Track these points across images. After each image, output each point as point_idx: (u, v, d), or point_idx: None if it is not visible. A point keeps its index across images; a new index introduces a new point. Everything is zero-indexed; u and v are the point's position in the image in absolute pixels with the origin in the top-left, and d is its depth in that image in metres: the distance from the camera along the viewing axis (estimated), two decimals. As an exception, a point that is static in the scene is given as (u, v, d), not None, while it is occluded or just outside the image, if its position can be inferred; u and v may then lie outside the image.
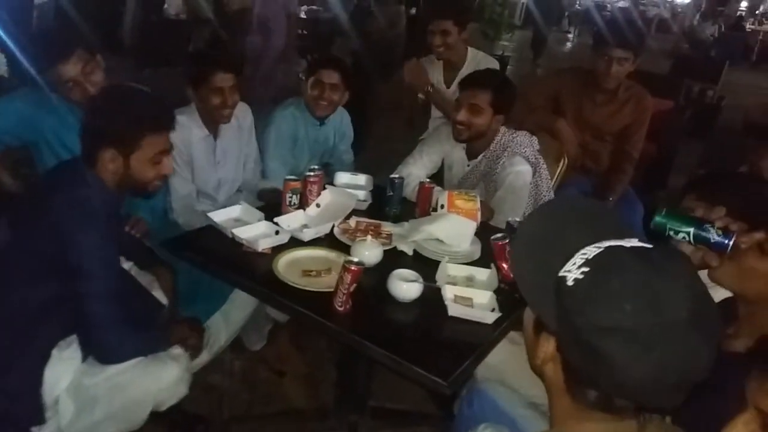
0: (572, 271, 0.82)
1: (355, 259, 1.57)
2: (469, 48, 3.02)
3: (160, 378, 1.57)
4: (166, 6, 6.06)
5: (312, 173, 2.07)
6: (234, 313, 2.08)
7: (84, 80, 1.91)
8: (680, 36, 13.76)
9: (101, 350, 1.53)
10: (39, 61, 1.93)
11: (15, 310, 1.49)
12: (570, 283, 0.81)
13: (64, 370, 1.51)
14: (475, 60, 2.98)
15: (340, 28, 7.45)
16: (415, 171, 2.43)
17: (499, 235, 1.84)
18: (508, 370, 1.64)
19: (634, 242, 0.84)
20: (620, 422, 0.85)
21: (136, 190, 1.65)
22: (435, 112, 3.21)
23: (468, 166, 2.43)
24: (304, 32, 7.87)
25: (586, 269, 0.81)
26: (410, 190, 2.30)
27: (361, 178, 2.38)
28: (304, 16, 7.77)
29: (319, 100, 2.55)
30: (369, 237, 1.84)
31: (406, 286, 1.66)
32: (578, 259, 0.83)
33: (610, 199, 2.73)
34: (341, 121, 2.80)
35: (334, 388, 2.37)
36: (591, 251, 0.82)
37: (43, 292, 1.47)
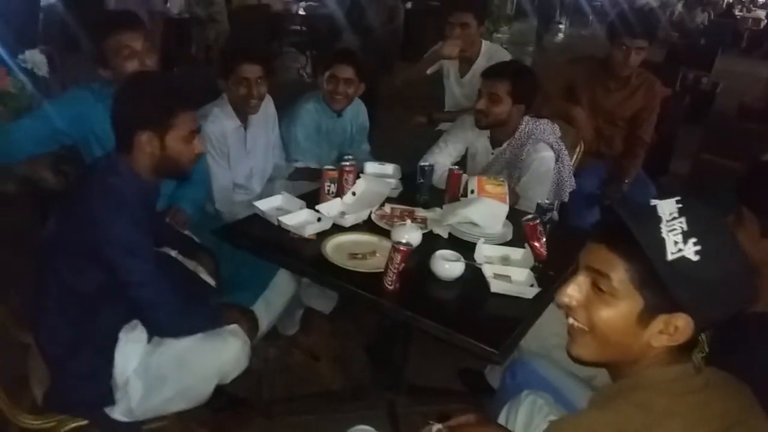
0: (684, 249, 0.88)
1: (404, 240, 1.67)
2: (483, 41, 3.12)
3: (222, 352, 1.66)
4: (168, 5, 6.10)
5: (347, 163, 2.17)
6: (275, 299, 2.17)
7: (142, 54, 1.98)
8: (670, 24, 13.90)
9: (156, 328, 1.61)
10: (101, 28, 1.99)
11: (68, 298, 1.54)
12: (695, 258, 0.88)
13: (131, 351, 1.59)
14: (489, 52, 3.08)
15: (339, 23, 7.53)
16: (440, 159, 2.53)
17: (530, 216, 1.95)
18: (551, 333, 1.74)
19: (674, 202, 0.93)
20: (685, 364, 0.96)
21: (174, 171, 1.68)
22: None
23: (492, 154, 2.54)
24: (303, 28, 7.95)
25: (694, 239, 0.87)
26: (437, 178, 2.40)
27: (389, 168, 2.48)
28: (303, 12, 7.84)
29: (334, 94, 2.69)
30: (408, 221, 1.94)
31: (448, 265, 1.76)
32: (673, 237, 0.88)
33: (626, 181, 2.85)
34: (358, 112, 2.92)
35: (367, 370, 2.48)
36: (676, 224, 0.88)
37: (90, 281, 1.52)
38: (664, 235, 0.89)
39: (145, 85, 1.61)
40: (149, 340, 1.62)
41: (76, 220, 1.50)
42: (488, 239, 1.97)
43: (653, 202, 0.94)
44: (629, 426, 0.90)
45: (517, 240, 2.01)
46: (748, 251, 1.35)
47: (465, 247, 1.90)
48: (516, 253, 1.93)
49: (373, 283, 1.69)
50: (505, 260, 1.92)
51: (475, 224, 2.05)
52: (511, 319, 1.63)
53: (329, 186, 2.12)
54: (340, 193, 2.14)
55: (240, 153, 2.52)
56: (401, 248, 1.63)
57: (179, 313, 1.60)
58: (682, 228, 0.89)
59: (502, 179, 2.20)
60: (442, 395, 2.41)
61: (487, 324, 1.63)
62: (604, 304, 0.96)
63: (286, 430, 2.18)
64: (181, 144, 1.61)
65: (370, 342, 2.62)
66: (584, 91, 2.89)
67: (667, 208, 0.91)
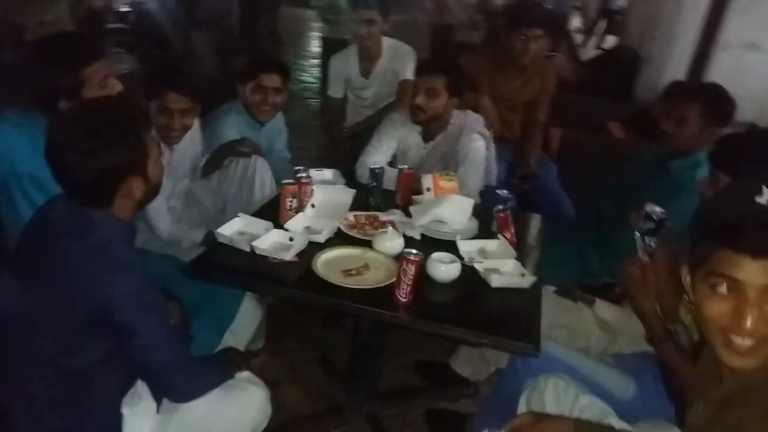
0: None
1: (414, 251, 1.62)
2: (383, 38, 3.12)
3: (249, 404, 1.50)
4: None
5: (303, 175, 2.05)
6: (243, 330, 2.01)
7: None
8: (473, 6, 14.91)
9: (175, 393, 1.40)
10: (83, 55, 1.72)
11: (58, 380, 1.28)
12: None
13: (141, 426, 1.37)
14: (391, 49, 3.09)
15: (169, 19, 7.01)
16: (377, 159, 2.50)
17: (499, 207, 2.02)
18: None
19: None
20: None
21: (153, 198, 1.47)
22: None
23: (425, 148, 2.56)
24: (128, 26, 7.27)
25: None
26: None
27: (328, 173, 2.39)
28: (128, 9, 7.16)
29: (262, 105, 2.53)
30: (390, 228, 1.90)
31: (444, 267, 1.75)
32: None
33: (531, 162, 3.05)
34: (277, 119, 2.76)
35: (329, 384, 2.39)
36: None
37: (88, 356, 1.27)
38: None
39: (113, 125, 1.29)
40: (158, 409, 1.41)
41: (62, 294, 1.23)
42: (463, 235, 2.00)
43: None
44: None
45: (484, 232, 2.07)
46: None
47: (438, 246, 1.91)
48: (490, 244, 1.98)
49: (380, 297, 1.64)
50: (483, 253, 1.96)
51: (441, 221, 2.07)
52: (522, 310, 1.68)
53: (290, 201, 1.99)
54: (300, 208, 2.02)
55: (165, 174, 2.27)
56: (413, 258, 1.59)
57: (195, 372, 1.41)
58: None
59: (452, 174, 2.24)
60: (414, 394, 2.41)
61: (506, 320, 1.65)
62: None
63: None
64: (157, 166, 1.40)
65: (323, 354, 2.54)
66: (486, 80, 3.03)
67: None
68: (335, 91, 3.26)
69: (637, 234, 1.51)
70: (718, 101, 2.32)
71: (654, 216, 1.51)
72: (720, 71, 5.51)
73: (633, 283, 1.52)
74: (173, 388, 1.39)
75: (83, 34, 1.80)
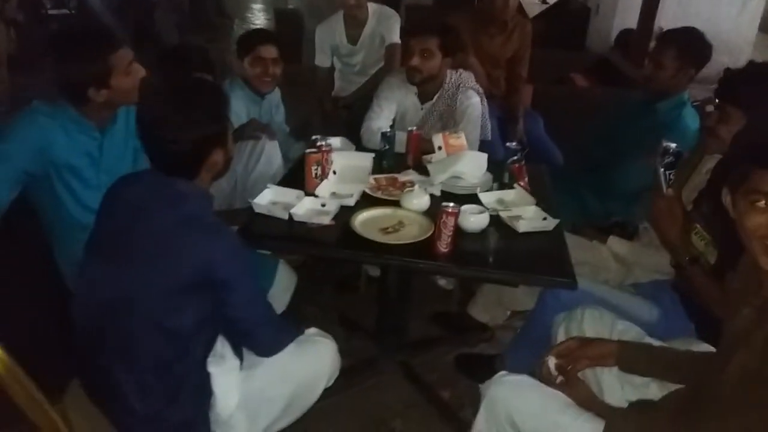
0: None
1: (452, 204, 1.72)
2: (368, 4, 3.16)
3: (323, 355, 1.61)
4: None
5: (323, 143, 2.11)
6: (281, 296, 2.09)
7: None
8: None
9: (262, 348, 1.49)
10: (105, 44, 1.73)
11: (159, 344, 1.34)
12: None
13: (229, 384, 1.44)
14: (377, 14, 3.14)
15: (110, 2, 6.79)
16: (380, 123, 2.57)
17: (514, 158, 2.14)
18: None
19: None
20: None
21: (224, 172, 1.55)
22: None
23: (422, 109, 2.64)
24: (72, 12, 7.01)
25: None
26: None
27: (336, 141, 2.45)
28: (68, -6, 6.88)
29: (263, 76, 2.56)
30: (416, 186, 2.00)
31: (474, 218, 1.87)
32: None
33: (520, 116, 3.18)
34: (275, 93, 2.79)
35: (355, 340, 2.48)
36: None
37: (187, 319, 1.34)
38: None
39: (203, 100, 1.38)
40: (241, 366, 1.49)
41: (161, 260, 1.30)
42: (482, 188, 2.11)
43: None
44: None
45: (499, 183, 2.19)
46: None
47: (458, 200, 2.00)
48: (508, 194, 2.10)
49: (420, 250, 1.74)
50: (502, 203, 2.07)
51: (458, 177, 2.18)
52: (551, 250, 1.81)
53: (316, 169, 2.05)
54: (324, 175, 2.09)
55: None
56: (451, 210, 1.70)
57: (279, 327, 1.52)
58: None
59: (460, 132, 2.34)
60: (438, 342, 2.54)
61: (540, 260, 1.78)
62: None
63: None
64: (232, 141, 1.50)
65: (344, 314, 2.63)
66: (470, 40, 3.12)
67: None
68: (322, 60, 3.30)
69: (660, 170, 1.64)
70: (692, 45, 2.48)
71: (671, 150, 1.64)
72: (668, 17, 5.78)
73: (661, 215, 1.66)
74: (261, 343, 1.48)
75: (106, 23, 1.80)
